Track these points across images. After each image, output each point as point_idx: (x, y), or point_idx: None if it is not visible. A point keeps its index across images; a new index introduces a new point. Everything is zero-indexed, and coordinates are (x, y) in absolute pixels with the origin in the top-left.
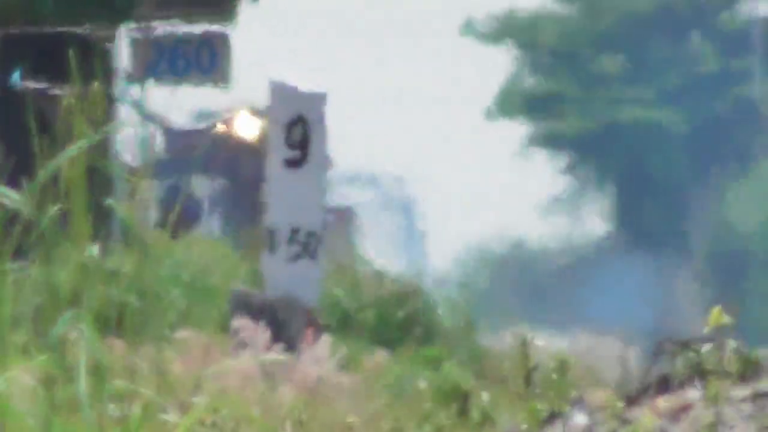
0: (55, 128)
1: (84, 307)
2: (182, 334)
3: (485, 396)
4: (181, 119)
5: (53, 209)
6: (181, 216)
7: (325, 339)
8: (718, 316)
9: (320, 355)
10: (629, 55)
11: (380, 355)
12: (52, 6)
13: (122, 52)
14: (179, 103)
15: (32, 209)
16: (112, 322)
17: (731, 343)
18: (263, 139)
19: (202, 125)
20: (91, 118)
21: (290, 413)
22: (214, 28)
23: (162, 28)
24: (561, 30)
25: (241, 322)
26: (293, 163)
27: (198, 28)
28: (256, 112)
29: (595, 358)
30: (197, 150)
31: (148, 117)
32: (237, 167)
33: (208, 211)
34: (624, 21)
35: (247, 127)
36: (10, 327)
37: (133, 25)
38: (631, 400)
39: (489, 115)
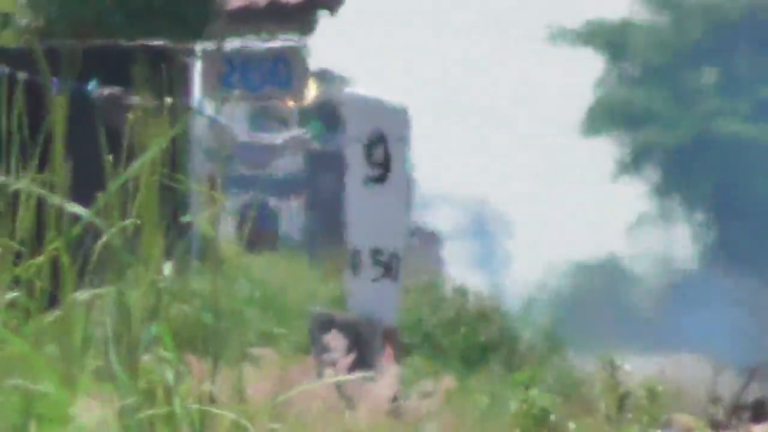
0: (126, 139)
1: (159, 329)
2: (260, 354)
3: (572, 426)
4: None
5: (125, 225)
6: (258, 232)
7: (395, 363)
8: None
9: (394, 377)
10: (721, 65)
11: (449, 380)
12: (122, 20)
13: (198, 67)
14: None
15: (103, 224)
16: (188, 344)
17: None
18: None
19: (278, 139)
20: (164, 131)
21: None
22: (290, 42)
23: (238, 43)
24: (651, 40)
25: (329, 340)
26: (374, 182)
27: (275, 43)
28: (313, 78)
29: (684, 382)
30: (273, 164)
31: (223, 131)
32: (315, 182)
33: (287, 226)
34: (715, 30)
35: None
36: (82, 351)
37: (208, 41)
38: (721, 426)
39: (582, 130)
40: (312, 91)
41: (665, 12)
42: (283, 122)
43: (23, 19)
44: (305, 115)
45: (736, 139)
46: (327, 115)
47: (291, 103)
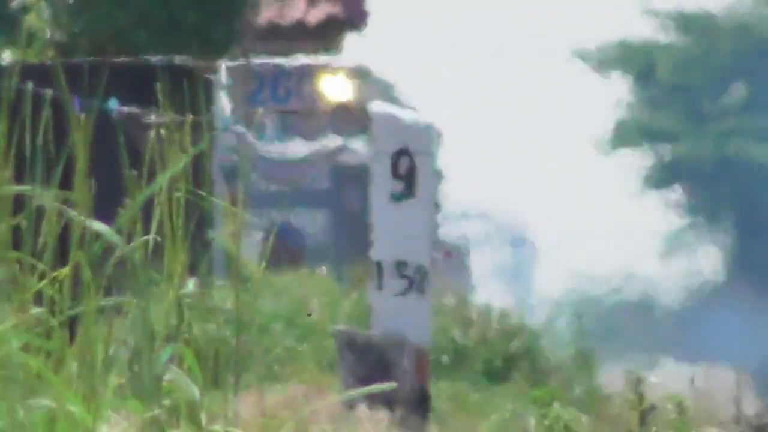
0: (146, 157)
1: (182, 347)
2: (285, 374)
3: None
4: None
5: (146, 241)
6: (285, 248)
7: (424, 383)
8: None
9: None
10: (748, 86)
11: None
12: (146, 37)
13: (224, 84)
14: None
15: (124, 241)
16: (210, 362)
17: None
18: (353, 104)
19: (305, 153)
20: (186, 147)
21: None
22: (316, 59)
23: (265, 60)
24: (676, 60)
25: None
26: (399, 196)
27: (302, 60)
28: (350, 73)
29: (710, 395)
30: (298, 180)
31: (247, 146)
32: (340, 198)
33: (313, 241)
34: (741, 50)
35: (340, 90)
36: (104, 368)
37: (234, 58)
38: None
39: (606, 148)
40: (347, 95)
41: (691, 32)
42: (311, 136)
43: (46, 35)
44: (335, 127)
45: (761, 158)
46: (355, 127)
47: (321, 114)
